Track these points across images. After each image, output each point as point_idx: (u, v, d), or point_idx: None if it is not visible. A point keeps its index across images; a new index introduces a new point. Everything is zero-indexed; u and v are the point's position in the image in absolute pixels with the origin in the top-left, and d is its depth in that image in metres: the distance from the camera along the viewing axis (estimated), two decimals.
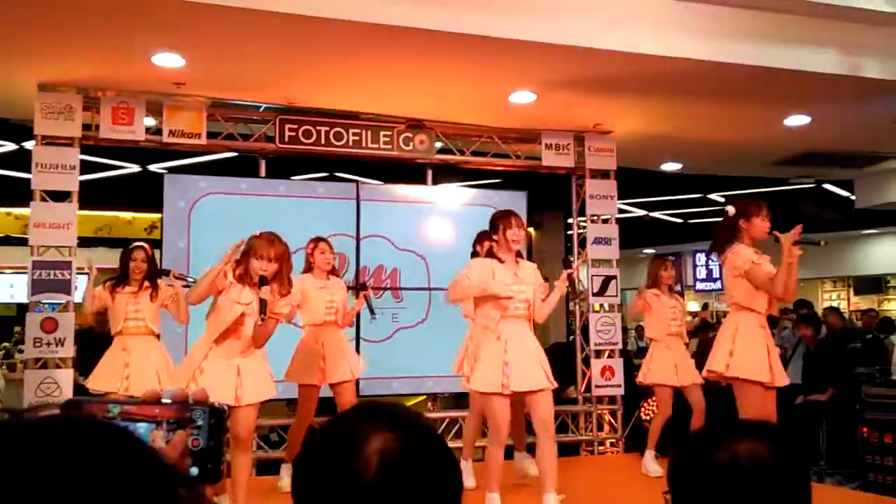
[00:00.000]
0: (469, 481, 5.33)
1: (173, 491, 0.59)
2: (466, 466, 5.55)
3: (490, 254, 4.78)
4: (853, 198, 10.11)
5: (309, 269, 5.59)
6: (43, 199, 6.14)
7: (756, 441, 1.34)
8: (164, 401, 0.92)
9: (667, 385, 6.17)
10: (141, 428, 0.89)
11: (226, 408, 0.95)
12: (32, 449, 0.56)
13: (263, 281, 4.36)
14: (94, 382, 5.29)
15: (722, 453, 1.33)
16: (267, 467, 6.62)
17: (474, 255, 5.52)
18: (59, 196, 6.18)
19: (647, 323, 6.48)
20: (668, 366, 6.16)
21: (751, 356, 4.56)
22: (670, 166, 9.07)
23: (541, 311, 4.80)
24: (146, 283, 5.44)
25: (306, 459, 1.04)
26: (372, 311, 5.78)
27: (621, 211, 9.26)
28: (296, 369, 5.54)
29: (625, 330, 10.73)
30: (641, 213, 12.93)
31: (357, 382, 6.67)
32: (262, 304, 4.32)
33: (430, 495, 1.00)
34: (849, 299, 17.34)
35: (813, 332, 8.23)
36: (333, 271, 5.71)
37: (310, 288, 5.46)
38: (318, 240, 5.68)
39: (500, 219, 4.75)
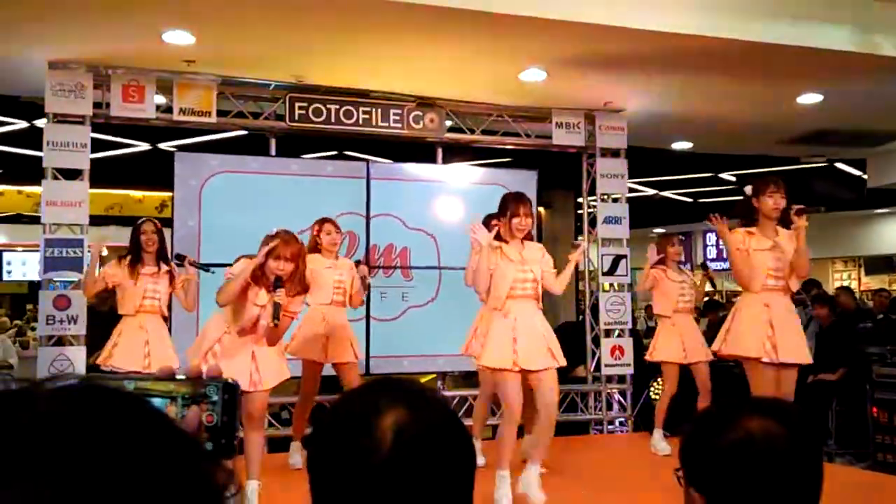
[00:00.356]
0: (479, 460, 5.37)
1: (199, 460, 0.59)
2: (476, 445, 5.57)
3: (497, 236, 4.73)
4: (865, 177, 10.05)
5: (315, 249, 5.58)
6: (55, 178, 6.16)
7: (768, 419, 1.34)
8: (178, 377, 0.93)
9: (673, 362, 6.17)
10: (156, 403, 0.89)
11: (238, 383, 0.96)
12: (59, 414, 0.55)
13: (278, 283, 4.30)
14: (117, 361, 5.23)
15: (734, 431, 1.33)
16: (277, 444, 6.67)
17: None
18: (71, 174, 6.20)
19: (655, 300, 6.45)
20: (675, 343, 6.16)
21: (744, 333, 4.62)
22: (681, 145, 9.02)
23: (559, 283, 4.82)
24: (164, 266, 5.43)
25: (321, 435, 1.04)
26: (365, 288, 5.78)
27: (631, 190, 9.22)
28: (298, 344, 5.53)
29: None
30: (652, 192, 12.88)
31: (367, 361, 6.70)
32: (276, 307, 4.29)
33: (444, 470, 1.00)
34: (860, 279, 17.27)
35: (828, 311, 8.19)
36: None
37: (318, 267, 5.46)
38: (323, 221, 5.66)
39: (510, 203, 4.75)
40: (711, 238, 17.66)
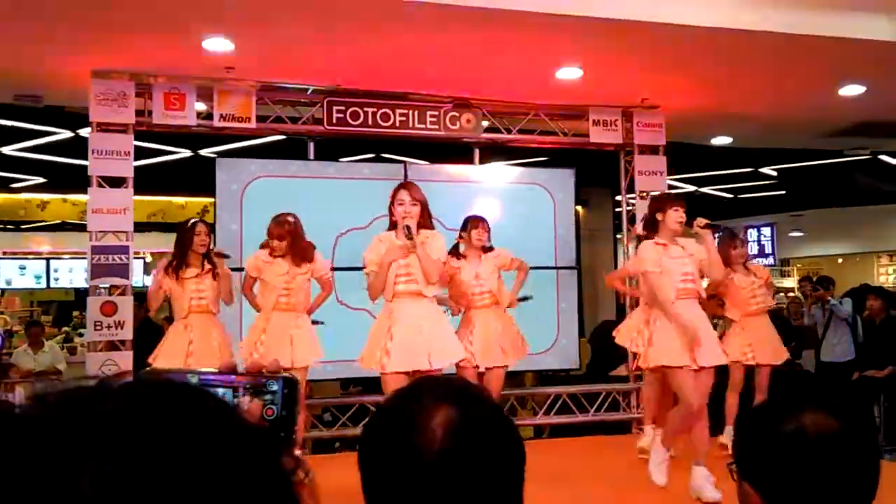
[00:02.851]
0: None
1: (269, 447, 0.61)
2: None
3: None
4: None
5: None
6: (100, 186, 6.28)
7: (823, 412, 1.33)
8: (239, 371, 0.95)
9: (737, 362, 6.00)
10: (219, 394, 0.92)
11: (298, 378, 0.98)
12: (136, 405, 0.56)
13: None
14: (160, 363, 5.34)
15: (789, 424, 1.32)
16: (321, 446, 6.73)
17: (456, 245, 5.70)
18: (116, 182, 6.32)
19: (727, 303, 6.19)
20: (741, 343, 6.03)
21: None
22: (720, 140, 8.93)
23: (716, 269, 5.15)
24: (207, 265, 5.48)
25: (372, 435, 1.06)
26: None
27: (670, 187, 9.14)
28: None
29: None
30: (691, 188, 12.76)
31: None
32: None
33: (495, 466, 1.02)
34: None
35: (882, 304, 8.00)
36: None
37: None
38: (477, 219, 5.66)
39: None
40: (753, 234, 17.45)
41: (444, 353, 4.72)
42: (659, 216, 5.05)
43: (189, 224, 5.57)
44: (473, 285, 5.51)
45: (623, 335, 6.04)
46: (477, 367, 5.44)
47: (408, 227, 4.66)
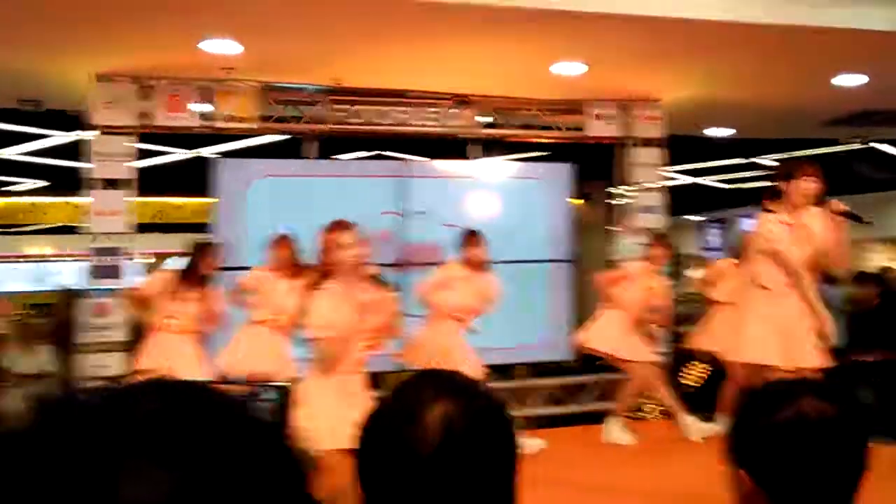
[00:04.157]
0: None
1: (285, 438, 0.63)
2: None
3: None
4: None
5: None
6: (103, 188, 6.30)
7: (818, 398, 1.35)
8: (231, 380, 0.99)
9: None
10: None
11: (290, 385, 1.01)
12: (166, 405, 0.58)
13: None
14: (143, 364, 5.26)
15: (784, 411, 1.34)
16: None
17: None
18: (118, 184, 6.33)
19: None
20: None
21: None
22: (719, 131, 8.96)
23: (842, 257, 4.46)
24: (206, 288, 5.42)
25: (370, 428, 1.07)
26: None
27: (667, 178, 9.18)
28: None
29: None
30: (689, 180, 12.79)
31: None
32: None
33: (492, 461, 1.03)
34: None
35: (875, 291, 8.05)
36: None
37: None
38: (473, 235, 5.66)
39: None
40: (748, 224, 17.43)
41: None
42: (783, 185, 4.31)
43: (208, 245, 5.56)
44: (459, 297, 5.55)
45: (597, 339, 6.07)
46: None
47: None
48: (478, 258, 5.57)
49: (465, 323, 5.58)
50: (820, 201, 4.27)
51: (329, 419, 3.29)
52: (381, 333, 3.92)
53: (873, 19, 5.65)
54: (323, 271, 3.76)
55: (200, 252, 5.46)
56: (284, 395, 0.97)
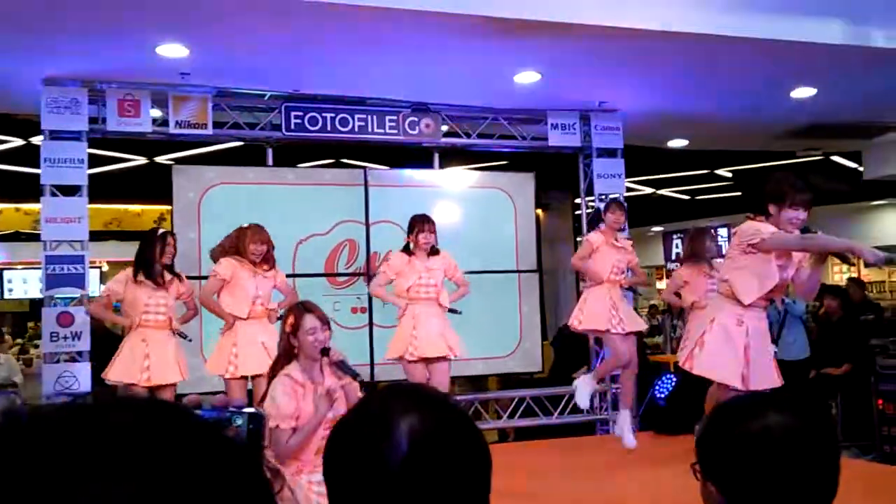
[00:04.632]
0: None
1: (252, 457, 0.62)
2: None
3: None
4: (861, 169, 10.06)
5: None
6: (53, 194, 6.16)
7: (785, 412, 1.35)
8: (204, 406, 0.95)
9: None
10: None
11: (264, 413, 0.98)
12: (133, 422, 0.57)
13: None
14: (115, 374, 5.18)
15: (752, 424, 1.34)
16: None
17: (407, 244, 5.70)
18: (69, 190, 6.20)
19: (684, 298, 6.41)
20: None
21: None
22: (677, 142, 9.04)
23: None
24: (169, 277, 5.37)
25: (338, 442, 1.05)
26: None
27: (628, 189, 9.23)
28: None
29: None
30: (649, 190, 12.90)
31: (372, 368, 6.73)
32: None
33: (461, 473, 1.01)
34: (859, 271, 17.27)
35: (838, 304, 8.15)
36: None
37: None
38: (423, 221, 5.64)
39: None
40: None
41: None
42: (772, 208, 4.11)
43: (159, 234, 5.44)
44: (419, 279, 5.53)
45: (590, 319, 6.08)
46: (424, 359, 5.47)
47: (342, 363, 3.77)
48: (427, 242, 5.56)
49: (438, 304, 5.59)
50: (802, 230, 4.10)
51: None
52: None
53: (823, 32, 5.72)
54: (286, 354, 3.69)
55: (150, 243, 5.35)
56: (257, 422, 0.93)
